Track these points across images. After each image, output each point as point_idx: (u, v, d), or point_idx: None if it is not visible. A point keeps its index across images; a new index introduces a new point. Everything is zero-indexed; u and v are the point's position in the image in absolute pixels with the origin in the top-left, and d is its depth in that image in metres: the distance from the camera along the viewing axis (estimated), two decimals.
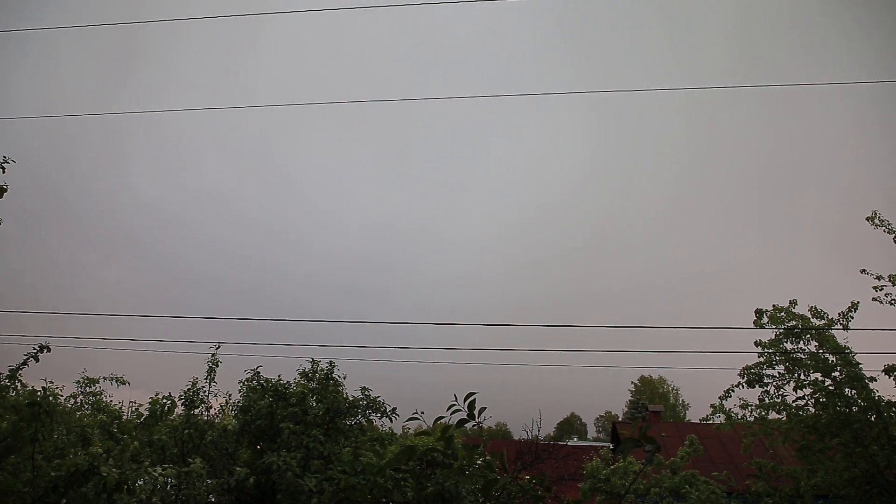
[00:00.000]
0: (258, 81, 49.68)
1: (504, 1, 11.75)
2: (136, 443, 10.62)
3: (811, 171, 63.04)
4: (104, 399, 12.64)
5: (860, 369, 11.69)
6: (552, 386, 74.75)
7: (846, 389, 11.67)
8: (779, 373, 12.40)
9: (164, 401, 12.44)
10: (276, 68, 56.43)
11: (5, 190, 7.34)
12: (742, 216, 64.92)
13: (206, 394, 13.76)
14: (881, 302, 11.63)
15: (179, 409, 13.26)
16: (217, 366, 13.79)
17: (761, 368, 12.49)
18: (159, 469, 9.99)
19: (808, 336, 12.28)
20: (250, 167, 62.72)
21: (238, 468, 12.23)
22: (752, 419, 12.70)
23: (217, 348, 13.74)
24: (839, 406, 11.61)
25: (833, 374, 11.84)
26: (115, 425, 11.10)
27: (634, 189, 71.86)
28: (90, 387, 12.32)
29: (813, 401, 12.02)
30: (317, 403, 13.91)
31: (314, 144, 71.52)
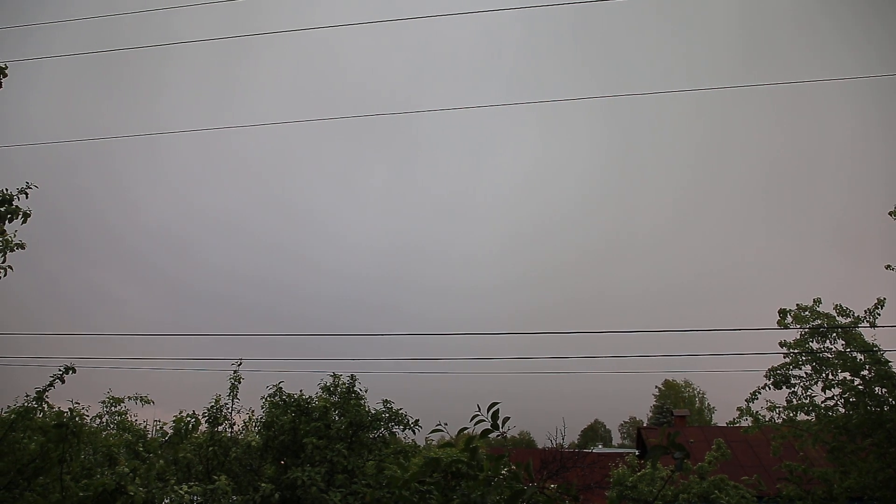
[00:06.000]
0: (261, 102, 50.12)
1: (504, 10, 11.79)
2: (161, 461, 10.68)
3: (823, 169, 62.27)
4: (129, 419, 12.76)
5: (890, 367, 11.47)
6: (575, 393, 74.20)
7: (876, 388, 11.45)
8: (806, 373, 12.22)
9: (188, 419, 12.51)
10: (279, 88, 56.94)
11: (29, 215, 7.46)
12: (755, 215, 64.19)
13: (230, 410, 13.82)
14: None
15: (203, 427, 13.32)
16: (239, 382, 13.85)
17: (788, 369, 12.30)
18: (185, 487, 10.03)
19: (835, 335, 12.08)
20: (256, 187, 63.08)
21: (263, 484, 12.24)
22: (780, 421, 12.50)
23: (239, 365, 13.81)
24: (870, 405, 11.39)
25: (862, 372, 11.62)
26: (141, 444, 11.18)
27: (645, 192, 71.33)
28: (115, 406, 12.43)
29: (842, 401, 11.81)
30: (339, 417, 13.90)
31: (319, 163, 71.92)
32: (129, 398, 12.21)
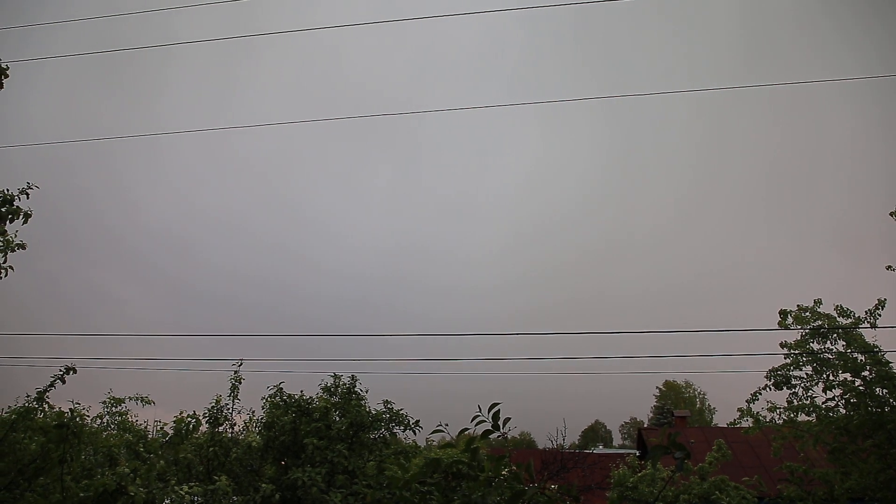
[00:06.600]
0: (263, 102, 50.13)
1: (506, 11, 11.81)
2: (162, 462, 10.68)
3: (823, 169, 62.32)
4: (130, 419, 12.76)
5: (891, 368, 11.46)
6: (575, 394, 74.22)
7: (877, 389, 11.44)
8: (806, 374, 12.21)
9: (189, 419, 12.51)
10: (281, 88, 56.96)
11: (29, 215, 7.46)
12: (755, 216, 64.30)
13: (230, 411, 13.81)
14: None
15: (204, 427, 13.33)
16: (240, 383, 13.85)
17: (788, 370, 12.29)
18: (185, 487, 10.03)
19: (835, 335, 12.08)
20: (258, 187, 63.15)
21: (263, 485, 12.24)
22: (780, 422, 12.49)
23: (240, 365, 13.80)
24: (871, 406, 11.39)
25: (863, 373, 11.62)
26: (142, 445, 11.18)
27: (645, 192, 71.44)
28: (116, 407, 12.44)
29: (843, 402, 11.80)
30: (340, 418, 13.90)
31: (321, 163, 71.94)
32: (130, 398, 12.22)
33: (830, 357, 11.98)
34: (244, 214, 61.73)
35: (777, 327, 12.54)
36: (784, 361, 12.36)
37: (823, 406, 11.98)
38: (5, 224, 7.36)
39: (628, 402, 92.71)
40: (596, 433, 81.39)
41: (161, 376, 17.31)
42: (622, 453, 25.26)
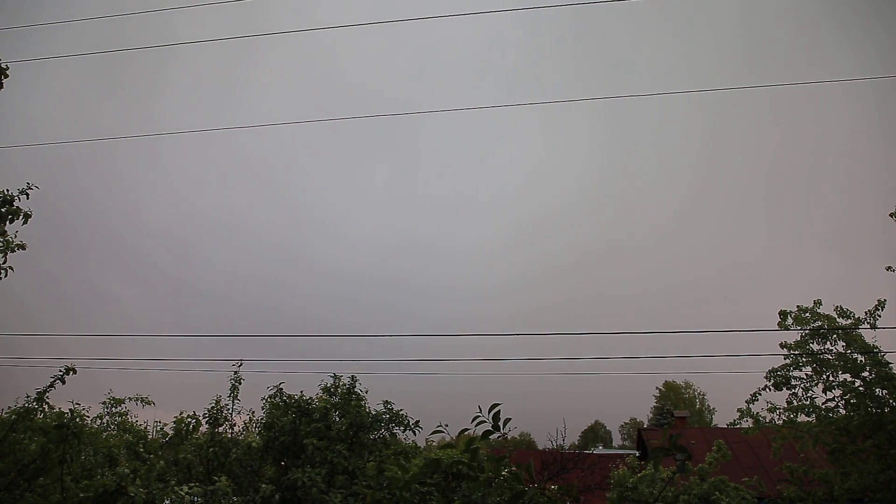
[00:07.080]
0: (263, 102, 50.07)
1: (506, 11, 11.82)
2: (162, 462, 10.68)
3: (823, 170, 62.26)
4: (129, 419, 12.76)
5: (890, 369, 11.48)
6: (575, 394, 74.14)
7: (877, 390, 11.45)
8: (806, 374, 12.22)
9: (189, 419, 12.52)
10: (281, 88, 56.82)
11: (29, 216, 7.46)
12: (755, 216, 64.20)
13: (230, 411, 13.82)
14: None
15: (204, 428, 13.34)
16: (240, 383, 13.85)
17: (788, 370, 12.31)
18: (185, 488, 10.03)
19: (835, 336, 12.09)
20: (257, 187, 63.04)
21: (263, 485, 12.24)
22: (780, 422, 12.50)
23: (239, 365, 13.80)
24: (870, 407, 11.40)
25: (862, 374, 11.63)
26: (141, 445, 11.18)
27: (645, 192, 71.27)
28: (116, 407, 12.44)
29: (843, 402, 11.81)
30: (340, 418, 13.90)
31: (320, 163, 71.77)
32: (130, 399, 12.23)
33: (830, 358, 11.99)
34: (244, 214, 61.60)
35: (777, 328, 12.56)
36: (784, 362, 12.38)
37: (823, 407, 11.99)
38: (5, 224, 7.37)
39: (628, 402, 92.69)
40: (596, 434, 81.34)
41: (161, 376, 17.31)
42: (622, 454, 25.27)
